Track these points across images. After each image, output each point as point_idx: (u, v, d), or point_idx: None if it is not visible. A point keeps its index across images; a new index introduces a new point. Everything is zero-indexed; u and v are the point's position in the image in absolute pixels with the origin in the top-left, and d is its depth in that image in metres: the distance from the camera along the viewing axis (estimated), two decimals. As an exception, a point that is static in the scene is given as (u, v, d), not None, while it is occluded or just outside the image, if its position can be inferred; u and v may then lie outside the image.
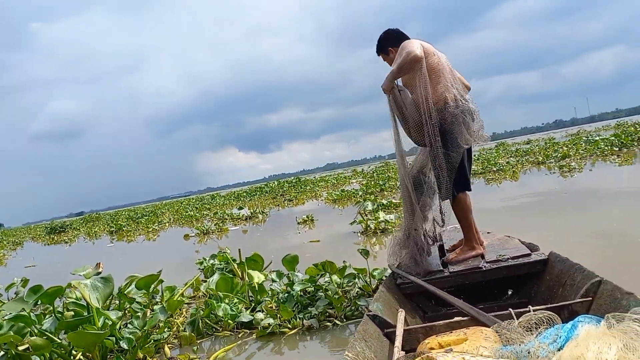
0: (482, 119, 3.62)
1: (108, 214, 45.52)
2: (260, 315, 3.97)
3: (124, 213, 38.29)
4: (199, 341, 3.94)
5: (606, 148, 16.69)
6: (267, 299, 4.42)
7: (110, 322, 3.64)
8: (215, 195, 45.90)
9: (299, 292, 4.18)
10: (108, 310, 4.03)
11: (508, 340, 2.04)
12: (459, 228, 3.82)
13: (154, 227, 20.02)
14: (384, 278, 3.92)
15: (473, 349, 1.97)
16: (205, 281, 5.28)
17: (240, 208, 20.05)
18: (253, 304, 4.38)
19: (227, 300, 4.31)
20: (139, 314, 3.83)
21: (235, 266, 5.97)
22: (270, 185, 34.26)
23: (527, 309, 2.30)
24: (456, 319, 2.54)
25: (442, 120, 3.48)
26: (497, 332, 2.15)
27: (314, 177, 42.41)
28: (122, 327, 3.79)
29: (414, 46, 3.45)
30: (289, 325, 3.81)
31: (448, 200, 3.60)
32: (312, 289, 4.27)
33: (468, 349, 1.99)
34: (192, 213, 23.19)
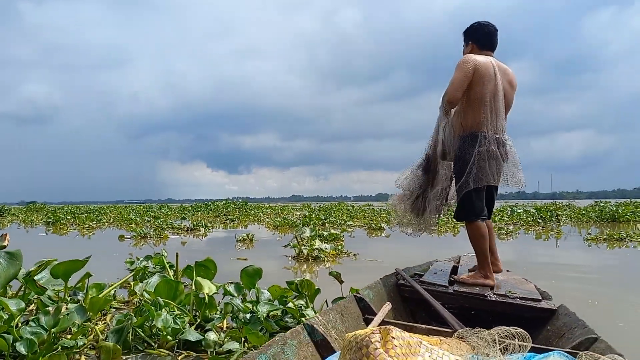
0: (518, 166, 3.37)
1: (54, 207, 42.22)
2: (212, 336, 2.84)
3: (69, 208, 35.34)
4: (124, 357, 2.78)
5: (528, 219, 17.43)
6: (217, 315, 3.32)
7: (6, 315, 2.46)
8: (163, 206, 43.44)
9: (265, 314, 3.10)
10: (5, 297, 2.81)
11: (475, 350, 1.88)
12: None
13: (91, 224, 18.19)
14: None
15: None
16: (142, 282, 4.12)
17: (183, 218, 18.61)
18: (198, 320, 3.26)
19: (165, 310, 3.19)
20: (50, 308, 2.64)
21: (171, 273, 4.83)
22: (216, 204, 32.62)
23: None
24: (439, 328, 2.37)
25: (463, 150, 3.27)
26: (468, 343, 1.97)
27: (265, 204, 41.53)
28: (20, 324, 2.59)
29: (456, 84, 3.20)
30: (256, 355, 2.71)
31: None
32: (279, 312, 3.22)
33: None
34: (133, 217, 21.46)
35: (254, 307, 3.16)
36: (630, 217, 17.50)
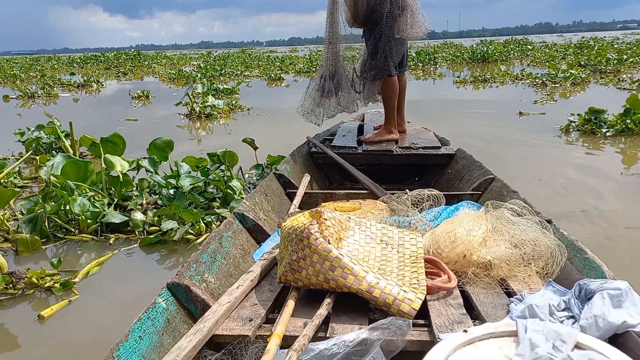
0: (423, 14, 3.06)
1: None
2: (139, 216, 2.69)
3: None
4: (45, 247, 2.58)
5: (410, 64, 17.24)
6: (134, 193, 3.12)
7: None
8: (51, 57, 38.29)
9: (189, 188, 2.93)
10: None
11: (396, 213, 2.00)
12: (381, 113, 3.44)
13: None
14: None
15: (362, 215, 1.94)
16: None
17: (72, 74, 16.83)
18: (115, 200, 3.04)
19: (77, 192, 2.92)
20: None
21: (67, 144, 4.37)
22: (106, 55, 29.41)
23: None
24: (356, 190, 2.47)
25: (383, 6, 2.91)
26: (389, 206, 2.09)
27: (164, 53, 38.41)
28: None
29: None
30: (192, 231, 2.62)
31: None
32: (202, 184, 3.07)
33: (359, 215, 1.96)
34: (16, 72, 18.98)
35: (177, 182, 2.96)
36: (498, 57, 18.55)
